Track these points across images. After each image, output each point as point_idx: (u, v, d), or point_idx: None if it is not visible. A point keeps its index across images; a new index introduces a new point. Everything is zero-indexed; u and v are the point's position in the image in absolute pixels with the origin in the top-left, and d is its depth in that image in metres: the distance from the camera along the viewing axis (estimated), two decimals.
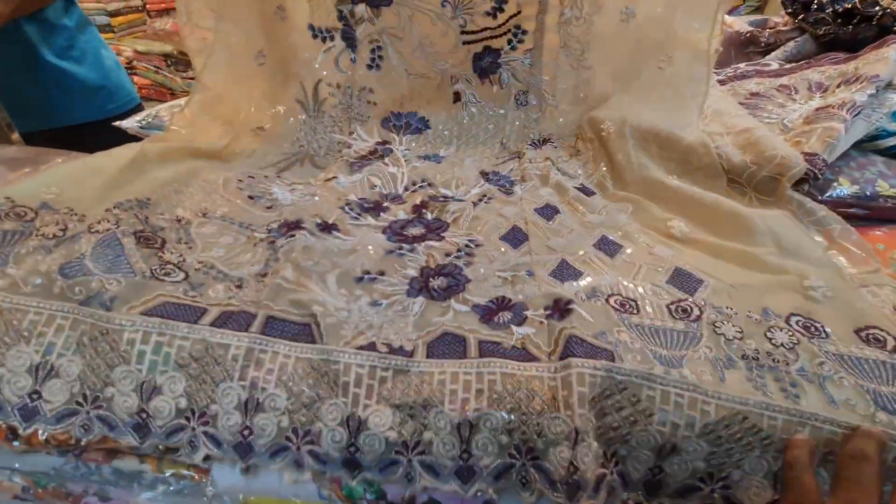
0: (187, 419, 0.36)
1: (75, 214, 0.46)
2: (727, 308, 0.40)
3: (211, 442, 0.35)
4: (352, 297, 0.43)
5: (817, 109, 0.57)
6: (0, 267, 0.40)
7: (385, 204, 0.60)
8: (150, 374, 0.36)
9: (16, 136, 0.77)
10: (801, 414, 0.33)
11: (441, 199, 0.59)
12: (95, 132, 1.01)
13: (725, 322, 0.39)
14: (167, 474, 0.41)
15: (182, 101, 0.81)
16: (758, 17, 1.20)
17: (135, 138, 0.99)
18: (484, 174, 0.65)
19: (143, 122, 0.71)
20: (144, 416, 0.35)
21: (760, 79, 0.69)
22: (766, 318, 0.39)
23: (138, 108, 1.11)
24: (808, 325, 0.38)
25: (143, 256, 0.43)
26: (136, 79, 2.64)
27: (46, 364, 0.36)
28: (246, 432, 0.35)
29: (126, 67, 2.63)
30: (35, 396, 0.35)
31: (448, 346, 0.38)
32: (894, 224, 0.53)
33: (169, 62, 2.84)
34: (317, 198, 0.58)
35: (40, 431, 0.36)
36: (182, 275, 0.43)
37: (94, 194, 0.49)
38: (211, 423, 0.35)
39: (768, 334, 0.38)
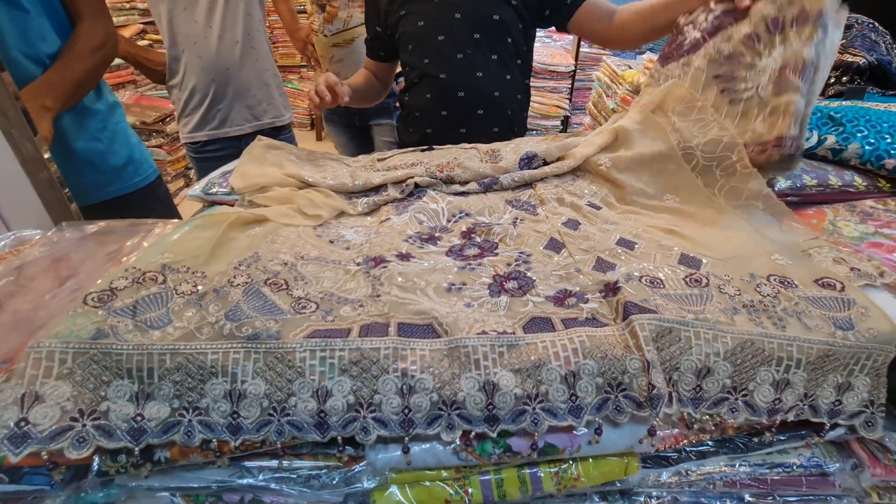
0: (357, 411, 0.46)
1: (196, 273, 0.56)
2: (725, 275, 0.56)
3: (379, 425, 0.46)
4: (450, 303, 0.55)
5: (779, 75, 0.71)
6: (168, 324, 0.48)
7: (437, 235, 0.73)
8: (321, 381, 0.46)
9: (74, 206, 0.84)
10: (788, 338, 0.49)
11: (483, 224, 0.73)
12: (125, 206, 1.08)
13: (727, 285, 0.55)
14: (322, 469, 0.50)
15: (234, 165, 0.91)
16: None
17: (164, 207, 1.07)
18: (509, 202, 0.80)
19: (206, 190, 0.81)
20: (323, 415, 0.45)
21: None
22: (753, 279, 0.55)
23: (159, 180, 1.19)
24: (783, 280, 0.55)
25: (281, 298, 0.53)
26: None
27: (236, 390, 0.45)
28: (406, 410, 0.46)
29: None
30: (236, 416, 0.45)
31: (538, 325, 0.51)
32: (818, 204, 0.72)
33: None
34: (382, 236, 0.70)
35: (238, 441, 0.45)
36: (314, 305, 0.53)
37: (205, 255, 0.58)
38: (377, 409, 0.46)
39: (757, 289, 0.54)
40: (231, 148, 1.40)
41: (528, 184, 0.85)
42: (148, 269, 0.53)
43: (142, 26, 3.08)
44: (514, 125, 1.18)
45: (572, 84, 3.44)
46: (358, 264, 0.63)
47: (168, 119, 2.81)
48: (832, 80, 0.99)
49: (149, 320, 0.48)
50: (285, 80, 4.30)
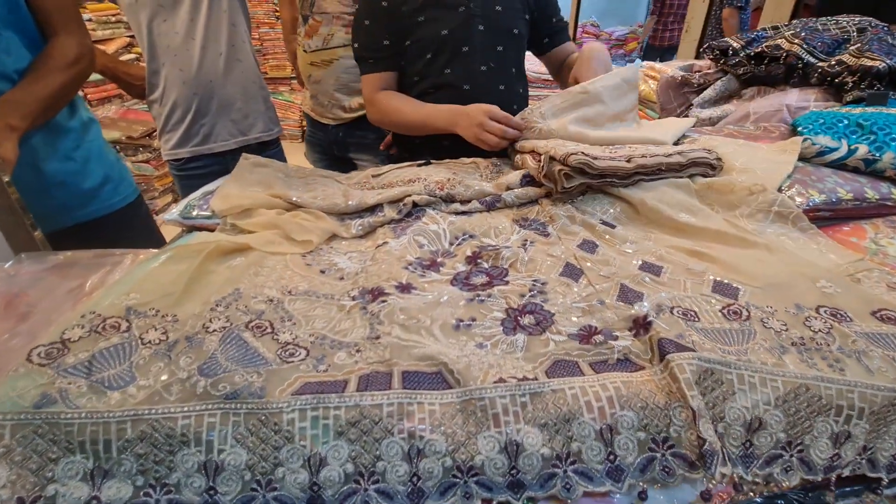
0: (357, 482, 0.39)
1: (166, 316, 0.49)
2: (767, 307, 0.50)
3: (383, 498, 0.38)
4: (459, 344, 0.48)
5: None
6: (131, 383, 0.41)
7: (439, 260, 0.66)
8: (313, 448, 0.39)
9: (38, 234, 0.77)
10: (849, 382, 0.42)
11: (490, 248, 0.66)
12: (102, 229, 1.01)
13: (770, 318, 0.49)
14: None
15: (217, 184, 0.84)
16: (684, 62, 1.42)
17: (144, 231, 1.00)
18: (516, 221, 0.74)
19: (185, 213, 0.74)
20: (317, 488, 0.38)
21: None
22: (800, 311, 0.49)
23: (140, 200, 1.11)
24: (835, 312, 0.48)
25: (265, 344, 0.46)
26: None
27: (212, 461, 0.38)
28: (415, 479, 0.39)
29: None
30: (213, 492, 0.37)
31: (564, 369, 0.44)
32: (854, 220, 0.66)
33: (117, 148, 2.81)
34: (380, 263, 0.63)
35: None
36: (304, 352, 0.46)
37: (177, 293, 0.51)
38: (380, 479, 0.39)
39: (806, 323, 0.48)
40: (216, 165, 1.33)
41: (534, 200, 0.79)
42: (109, 315, 0.46)
43: (128, 40, 3.01)
44: None
45: None
46: (353, 298, 0.56)
47: (155, 133, 2.74)
48: (850, 86, 0.94)
49: (107, 379, 0.40)
50: (276, 91, 4.24)
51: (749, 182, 0.69)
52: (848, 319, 0.48)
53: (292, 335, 0.48)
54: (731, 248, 0.61)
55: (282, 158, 1.49)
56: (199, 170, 1.35)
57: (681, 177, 0.74)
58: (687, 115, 1.27)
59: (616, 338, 0.48)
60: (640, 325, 0.48)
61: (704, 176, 0.75)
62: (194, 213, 0.75)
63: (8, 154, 0.75)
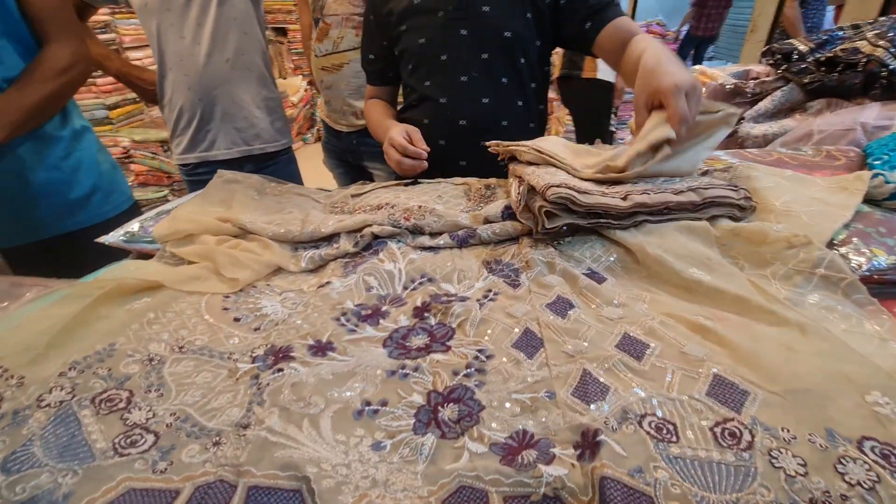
0: None
1: (10, 378, 0.41)
2: (783, 430, 0.35)
3: None
4: (350, 442, 0.37)
5: None
6: None
7: (384, 308, 0.55)
8: None
9: None
10: None
11: (444, 298, 0.55)
12: (88, 239, 0.99)
13: (784, 451, 0.34)
14: None
15: (168, 206, 0.79)
16: (738, 68, 1.21)
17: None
18: (486, 264, 0.61)
19: (127, 237, 0.68)
20: None
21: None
22: (832, 443, 0.34)
23: (133, 209, 1.10)
24: (888, 452, 0.33)
25: (103, 429, 0.37)
26: (133, 166, 2.71)
27: None
28: None
29: (124, 157, 2.70)
30: None
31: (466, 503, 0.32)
32: None
33: (165, 147, 2.95)
34: (310, 310, 0.54)
35: None
36: (151, 438, 0.37)
37: (41, 347, 0.43)
38: None
39: (839, 468, 0.32)
40: None
41: (514, 237, 0.66)
42: None
43: None
44: None
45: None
46: (254, 359, 0.46)
47: None
48: None
49: None
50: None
51: (788, 231, 0.53)
52: None
53: (149, 413, 0.39)
54: (750, 324, 0.46)
55: (294, 168, 1.45)
56: (206, 176, 1.32)
57: (699, 218, 0.59)
58: (737, 131, 1.08)
59: (551, 458, 0.35)
60: (588, 444, 0.35)
61: (732, 219, 0.59)
62: (137, 232, 0.69)
63: None
